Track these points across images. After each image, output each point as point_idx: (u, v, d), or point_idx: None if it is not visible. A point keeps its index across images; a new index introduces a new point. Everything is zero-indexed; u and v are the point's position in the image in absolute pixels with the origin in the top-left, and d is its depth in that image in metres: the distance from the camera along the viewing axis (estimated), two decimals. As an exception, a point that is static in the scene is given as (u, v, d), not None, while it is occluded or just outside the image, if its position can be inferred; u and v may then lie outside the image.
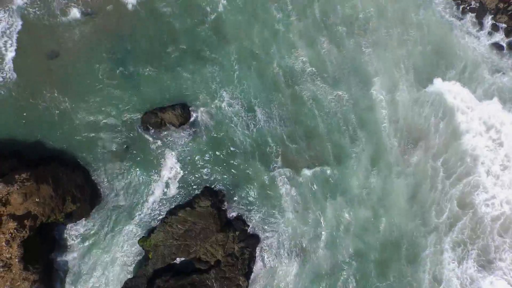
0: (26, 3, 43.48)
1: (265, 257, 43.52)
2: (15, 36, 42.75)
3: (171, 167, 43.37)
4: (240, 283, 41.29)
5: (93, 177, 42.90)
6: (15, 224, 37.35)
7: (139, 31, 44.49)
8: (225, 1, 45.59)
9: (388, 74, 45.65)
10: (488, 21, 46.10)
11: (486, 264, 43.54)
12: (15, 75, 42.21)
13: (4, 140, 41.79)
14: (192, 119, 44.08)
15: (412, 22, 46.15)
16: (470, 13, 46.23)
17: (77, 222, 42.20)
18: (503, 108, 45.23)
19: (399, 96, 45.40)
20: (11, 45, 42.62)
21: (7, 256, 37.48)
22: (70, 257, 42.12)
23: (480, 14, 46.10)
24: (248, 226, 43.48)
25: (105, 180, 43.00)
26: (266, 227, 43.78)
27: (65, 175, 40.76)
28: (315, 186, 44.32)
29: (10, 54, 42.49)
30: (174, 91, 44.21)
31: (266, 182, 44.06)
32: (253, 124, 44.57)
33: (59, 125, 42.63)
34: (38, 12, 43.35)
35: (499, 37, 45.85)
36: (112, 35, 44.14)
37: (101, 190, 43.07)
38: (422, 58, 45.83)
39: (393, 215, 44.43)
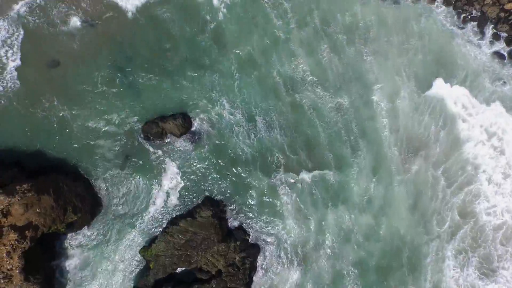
0: (26, 11, 43.52)
1: (266, 267, 43.48)
2: (16, 45, 42.76)
3: (171, 177, 43.36)
4: (241, 293, 41.36)
5: (94, 187, 42.96)
6: (16, 235, 37.33)
7: (139, 40, 44.56)
8: (225, 10, 45.58)
9: (389, 82, 45.54)
10: (489, 30, 46.01)
11: (489, 272, 43.45)
12: (17, 84, 42.23)
13: (5, 150, 41.91)
14: (193, 128, 44.05)
15: (413, 31, 46.04)
16: (471, 22, 46.14)
17: (78, 231, 42.17)
18: (506, 112, 44.97)
19: (400, 105, 45.33)
20: (12, 54, 42.64)
21: (8, 267, 37.44)
22: (71, 267, 42.09)
23: (481, 23, 45.98)
24: (249, 235, 43.44)
25: (106, 189, 43.06)
26: (267, 236, 43.72)
27: (66, 185, 40.76)
28: (316, 195, 44.25)
29: (12, 64, 42.51)
30: (175, 100, 44.24)
31: (267, 191, 44.01)
32: (254, 133, 44.54)
33: (59, 134, 42.76)
34: (38, 21, 43.47)
35: (500, 46, 45.79)
36: (112, 44, 44.24)
37: (102, 199, 43.10)
38: (423, 67, 45.72)
39: (394, 223, 44.30)
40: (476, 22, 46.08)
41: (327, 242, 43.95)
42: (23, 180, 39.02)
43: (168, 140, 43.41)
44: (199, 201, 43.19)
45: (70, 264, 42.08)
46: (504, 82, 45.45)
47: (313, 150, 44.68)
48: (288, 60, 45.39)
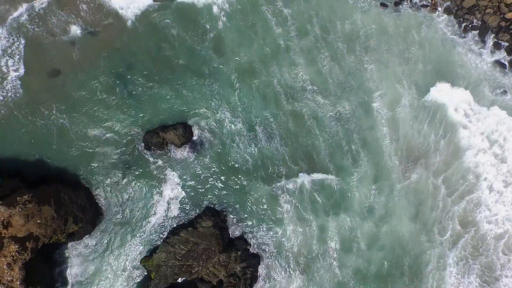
0: (26, 20, 43.34)
1: (267, 276, 43.42)
2: (18, 55, 42.61)
3: (172, 187, 43.29)
4: (243, 302, 41.35)
5: (94, 196, 42.92)
6: (17, 246, 37.28)
7: (138, 48, 44.44)
8: (224, 18, 45.42)
9: (390, 91, 45.41)
10: (490, 39, 45.91)
11: (492, 280, 43.43)
12: (19, 94, 42.11)
13: (5, 159, 41.73)
14: (194, 138, 43.96)
15: (414, 40, 45.91)
16: (472, 31, 46.05)
17: (79, 241, 42.12)
18: (507, 115, 44.88)
19: (400, 114, 45.22)
20: (14, 64, 42.48)
21: (9, 279, 37.38)
22: (72, 276, 42.03)
23: (482, 32, 45.88)
24: (250, 245, 43.38)
25: (107, 199, 42.98)
26: (268, 245, 43.68)
27: (67, 195, 40.68)
28: (317, 204, 44.19)
29: (14, 73, 42.34)
30: (175, 108, 44.11)
31: (268, 201, 43.92)
32: (255, 143, 44.44)
33: (59, 143, 42.60)
34: (37, 30, 43.24)
35: (501, 55, 45.69)
36: (112, 52, 44.12)
37: (103, 209, 43.04)
38: (423, 75, 45.60)
39: (395, 232, 44.27)
40: (477, 31, 45.99)
41: (328, 251, 43.91)
42: (23, 190, 38.91)
43: (169, 149, 43.32)
44: (200, 211, 43.12)
45: (71, 273, 42.01)
46: (505, 91, 45.35)
47: (314, 159, 44.58)
48: (289, 68, 45.26)
